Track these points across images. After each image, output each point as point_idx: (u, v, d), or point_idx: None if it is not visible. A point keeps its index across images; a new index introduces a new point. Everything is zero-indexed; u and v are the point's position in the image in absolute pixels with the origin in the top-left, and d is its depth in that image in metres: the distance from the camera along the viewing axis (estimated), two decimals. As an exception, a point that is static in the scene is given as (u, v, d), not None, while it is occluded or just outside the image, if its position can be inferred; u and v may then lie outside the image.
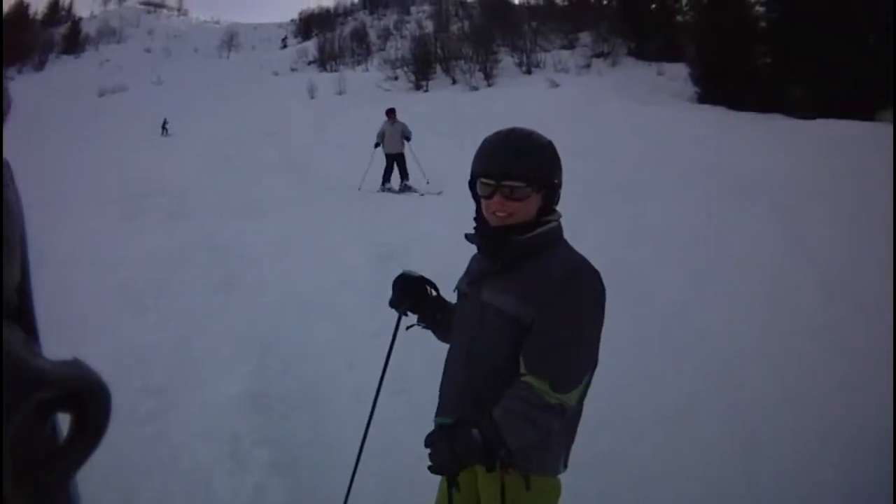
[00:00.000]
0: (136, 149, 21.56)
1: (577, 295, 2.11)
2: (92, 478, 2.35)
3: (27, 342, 0.52)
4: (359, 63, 58.88)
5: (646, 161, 11.75)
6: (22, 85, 72.71)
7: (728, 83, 19.26)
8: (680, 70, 23.30)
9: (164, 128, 27.89)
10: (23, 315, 0.60)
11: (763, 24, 21.11)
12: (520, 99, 21.09)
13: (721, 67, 19.92)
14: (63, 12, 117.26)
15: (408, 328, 2.67)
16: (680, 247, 7.75)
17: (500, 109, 17.95)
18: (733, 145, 12.45)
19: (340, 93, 34.49)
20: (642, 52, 28.82)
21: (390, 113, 14.97)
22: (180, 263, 8.94)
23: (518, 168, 2.11)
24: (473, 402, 2.17)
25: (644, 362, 5.15)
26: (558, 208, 2.30)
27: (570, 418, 2.19)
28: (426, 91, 32.76)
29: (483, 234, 2.28)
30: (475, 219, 2.33)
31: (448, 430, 2.09)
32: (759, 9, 21.48)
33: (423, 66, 35.81)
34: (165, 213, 12.38)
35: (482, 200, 2.23)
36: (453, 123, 19.19)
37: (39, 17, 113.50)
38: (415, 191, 13.64)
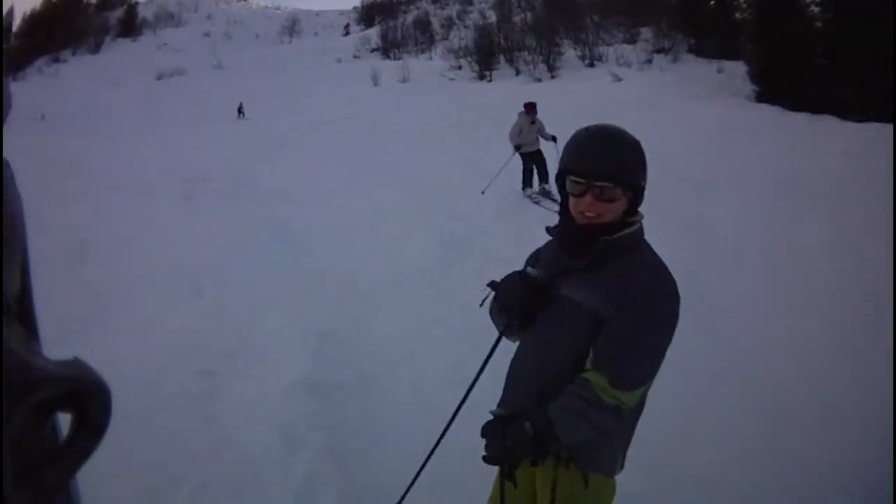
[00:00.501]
0: (196, 132, 21.93)
1: (658, 300, 2.12)
2: (135, 461, 3.74)
3: (27, 342, 0.52)
4: (422, 51, 58.66)
5: (701, 160, 11.73)
6: (77, 67, 74.17)
7: (785, 83, 18.94)
8: (738, 68, 22.98)
9: (240, 111, 28.10)
10: (23, 315, 0.60)
11: (819, 24, 20.77)
12: (583, 92, 21.01)
13: (778, 66, 19.62)
14: None
15: (481, 304, 2.52)
16: (729, 246, 7.82)
17: (566, 103, 17.72)
18: (787, 147, 12.28)
19: (404, 81, 34.49)
20: (702, 49, 28.67)
21: (529, 107, 12.65)
22: (239, 248, 9.08)
23: (611, 169, 2.10)
24: (539, 396, 2.17)
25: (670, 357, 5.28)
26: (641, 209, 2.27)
27: (628, 419, 2.19)
28: (490, 81, 32.61)
29: (567, 230, 2.26)
30: (559, 212, 2.31)
31: (502, 421, 2.13)
32: (815, 9, 21.14)
33: (486, 56, 35.67)
34: (225, 197, 12.58)
35: (570, 198, 2.20)
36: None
37: (94, 0, 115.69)
38: (554, 200, 10.60)
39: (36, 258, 2.33)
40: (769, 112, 17.33)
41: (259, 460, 4.25)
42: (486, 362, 2.50)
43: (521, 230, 8.00)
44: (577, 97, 19.49)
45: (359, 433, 4.44)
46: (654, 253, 2.24)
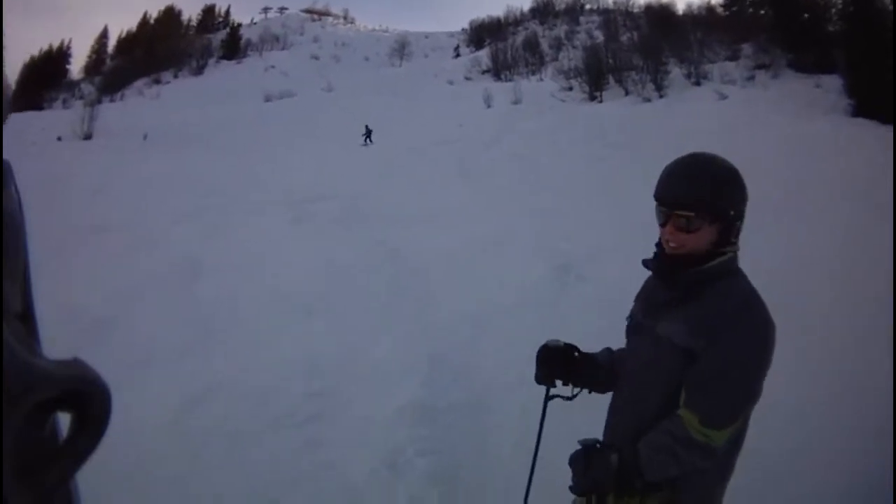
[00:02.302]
0: (309, 154, 22.12)
1: (746, 330, 2.03)
2: (235, 483, 4.27)
3: (27, 342, 0.51)
4: (532, 73, 58.69)
5: (795, 180, 11.29)
6: (179, 88, 75.86)
7: (879, 95, 17.98)
8: (835, 82, 22.44)
9: (366, 136, 27.01)
10: (23, 315, 0.59)
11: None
12: (691, 113, 20.73)
13: (871, 79, 18.98)
14: (219, 19, 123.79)
15: (552, 398, 2.58)
16: (825, 270, 7.51)
17: (674, 125, 17.64)
18: (881, 165, 11.24)
19: (516, 102, 34.41)
20: (800, 64, 27.90)
21: None
22: (351, 271, 9.10)
23: (690, 199, 2.08)
24: (635, 432, 2.15)
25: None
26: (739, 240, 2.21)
27: (724, 456, 2.13)
28: (601, 102, 32.26)
29: (659, 260, 2.25)
30: (657, 244, 2.28)
31: (589, 450, 2.10)
32: (905, 17, 19.93)
33: (596, 76, 35.38)
34: (337, 219, 12.57)
35: (659, 227, 2.20)
36: (630, 136, 17.82)
37: (193, 23, 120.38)
38: None
39: (148, 276, 5.00)
40: (864, 127, 17.11)
41: (361, 486, 4.28)
42: (542, 423, 2.62)
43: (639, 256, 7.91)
44: (684, 119, 19.28)
45: (465, 459, 4.36)
46: (747, 282, 2.18)
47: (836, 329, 5.97)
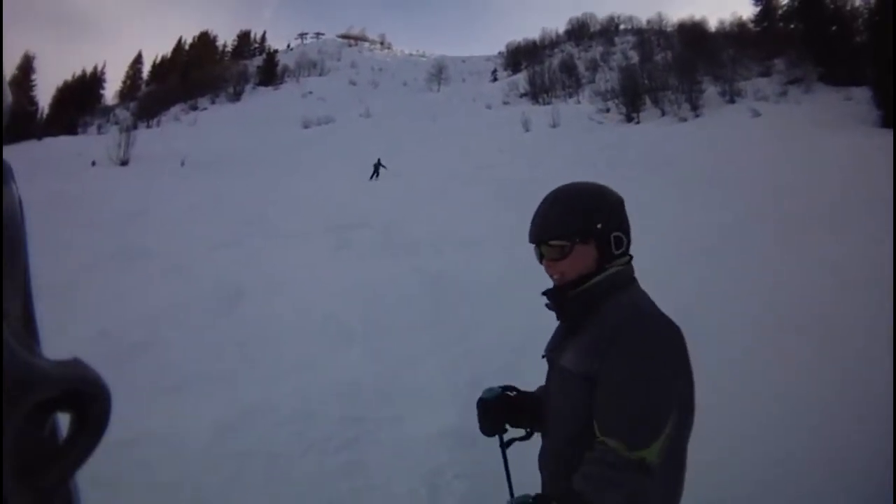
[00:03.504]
0: (348, 179, 22.09)
1: (634, 341, 1.89)
2: None
3: (27, 342, 0.51)
4: (570, 95, 58.30)
5: (825, 193, 11.26)
6: (216, 114, 75.71)
7: None
8: (865, 93, 22.47)
9: (375, 172, 25.53)
10: (24, 316, 0.59)
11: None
12: (726, 132, 20.73)
13: None
14: (255, 45, 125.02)
15: (509, 444, 2.52)
16: (861, 278, 7.55)
17: (709, 144, 17.83)
18: None
19: (554, 125, 34.11)
20: (831, 77, 28.04)
21: None
22: (392, 296, 9.08)
23: (547, 229, 2.10)
24: (565, 475, 1.96)
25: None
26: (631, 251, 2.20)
27: (663, 473, 1.91)
28: (637, 123, 32.17)
29: (550, 295, 2.19)
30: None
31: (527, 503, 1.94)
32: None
33: (632, 97, 35.21)
34: (377, 245, 12.52)
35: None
36: (669, 157, 17.52)
37: (229, 48, 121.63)
38: None
39: (186, 301, 5.29)
40: (891, 137, 16.21)
41: None
42: (507, 471, 2.56)
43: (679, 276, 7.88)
44: (720, 138, 19.31)
45: (504, 483, 3.78)
46: (636, 292, 2.10)
47: (872, 336, 6.00)
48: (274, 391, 6.20)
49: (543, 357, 2.34)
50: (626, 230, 2.15)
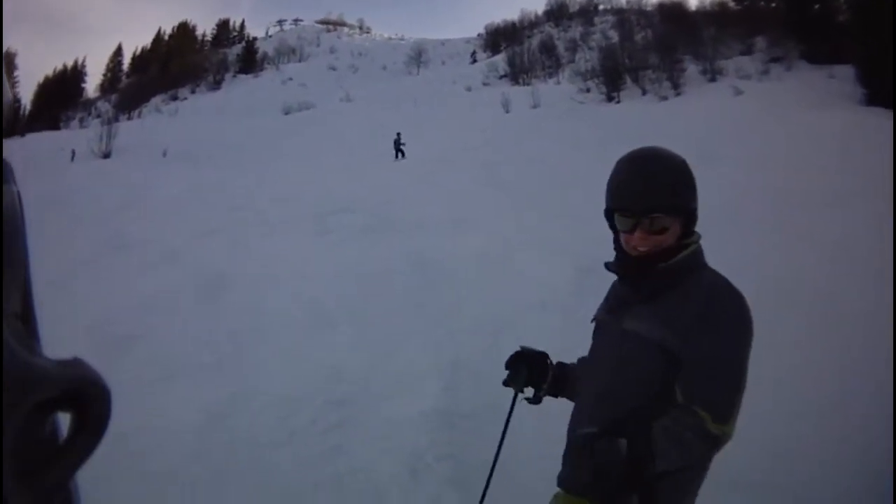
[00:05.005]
0: (329, 164, 21.86)
1: (723, 320, 1.98)
2: (259, 489, 4.48)
3: (27, 342, 0.51)
4: (550, 76, 58.28)
5: (811, 171, 11.03)
6: (197, 103, 76.00)
7: (891, 84, 17.66)
8: (848, 71, 22.24)
9: (397, 149, 25.14)
10: (24, 315, 0.59)
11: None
12: (707, 109, 20.86)
13: (883, 67, 18.70)
14: (234, 33, 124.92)
15: (530, 398, 2.55)
16: (847, 260, 7.41)
17: (691, 123, 17.54)
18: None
19: (535, 106, 33.80)
20: (814, 55, 27.69)
21: None
22: (376, 280, 9.01)
23: (656, 201, 2.03)
24: (612, 423, 2.01)
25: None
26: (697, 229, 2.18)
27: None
28: (618, 102, 31.94)
29: (624, 264, 2.18)
30: (615, 248, 2.24)
31: (590, 438, 1.97)
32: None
33: (613, 77, 34.90)
34: (360, 229, 12.37)
35: (622, 234, 2.15)
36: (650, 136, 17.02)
37: (208, 38, 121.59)
38: None
39: (173, 291, 5.50)
40: (877, 115, 16.44)
41: (382, 491, 4.36)
42: (507, 422, 2.63)
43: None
44: (702, 116, 19.35)
45: (485, 464, 3.93)
46: (716, 273, 2.12)
47: (868, 324, 5.90)
48: (260, 377, 6.26)
49: (592, 322, 2.43)
50: None
